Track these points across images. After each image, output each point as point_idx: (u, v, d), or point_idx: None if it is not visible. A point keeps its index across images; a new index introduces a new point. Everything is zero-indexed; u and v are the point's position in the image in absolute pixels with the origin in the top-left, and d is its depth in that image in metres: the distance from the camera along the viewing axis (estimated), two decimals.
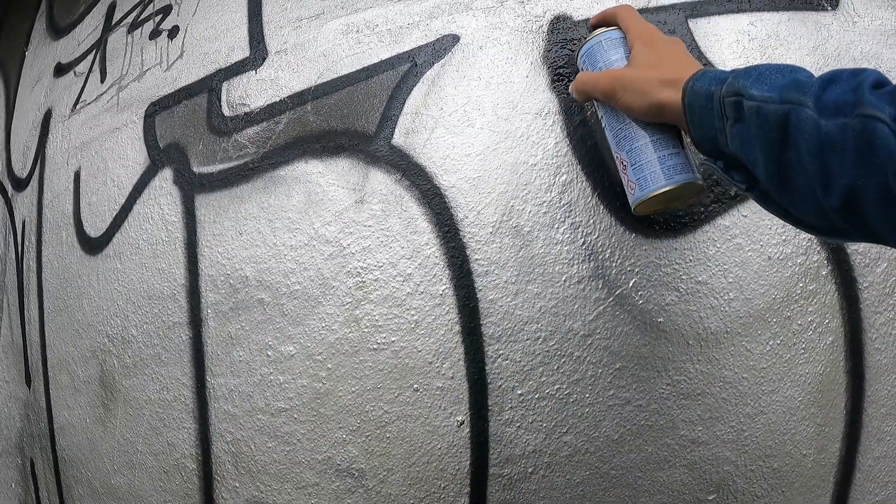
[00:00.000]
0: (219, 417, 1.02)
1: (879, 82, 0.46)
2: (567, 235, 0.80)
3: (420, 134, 0.83)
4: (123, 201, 1.16)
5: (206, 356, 1.03)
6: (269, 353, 0.96)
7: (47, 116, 1.41)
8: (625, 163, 0.65)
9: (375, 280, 0.89)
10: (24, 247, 1.40)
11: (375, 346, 0.89)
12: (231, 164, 1.01)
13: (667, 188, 0.62)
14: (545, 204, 0.80)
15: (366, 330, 0.90)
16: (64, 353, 1.21)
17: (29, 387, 1.42)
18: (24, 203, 1.40)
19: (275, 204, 0.91)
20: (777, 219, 0.80)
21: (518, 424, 0.80)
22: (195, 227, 1.04)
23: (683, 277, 0.80)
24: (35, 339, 1.31)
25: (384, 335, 0.89)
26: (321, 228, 0.87)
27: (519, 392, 0.80)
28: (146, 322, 1.04)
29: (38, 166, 1.40)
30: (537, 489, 0.81)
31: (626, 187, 0.66)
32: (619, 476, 0.80)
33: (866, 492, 0.86)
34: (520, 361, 0.80)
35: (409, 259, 0.87)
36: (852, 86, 0.44)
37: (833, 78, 0.46)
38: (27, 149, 1.44)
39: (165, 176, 1.07)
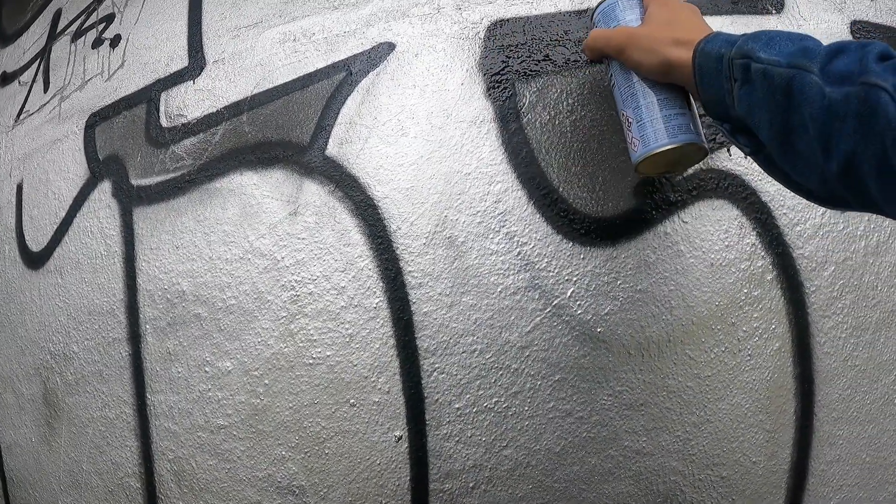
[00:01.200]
0: (160, 435, 1.00)
1: (886, 54, 0.47)
2: (502, 245, 0.79)
3: (354, 144, 0.82)
4: (64, 214, 1.14)
5: (145, 372, 1.01)
6: (208, 369, 0.94)
7: None
8: (630, 119, 0.65)
9: (310, 293, 0.87)
10: None
11: (311, 361, 0.88)
12: (168, 177, 0.99)
13: (670, 146, 0.62)
14: (479, 213, 0.79)
15: (301, 344, 0.88)
16: (8, 370, 1.18)
17: None
18: None
19: (210, 217, 0.90)
20: (719, 224, 0.79)
21: (457, 439, 0.79)
22: (133, 240, 1.02)
23: (623, 286, 0.79)
24: None
25: (319, 349, 0.87)
26: (256, 241, 0.86)
27: (456, 406, 0.79)
28: (87, 338, 1.02)
29: None
30: (480, 503, 0.80)
31: (629, 145, 0.66)
32: (562, 489, 0.80)
33: (820, 496, 0.85)
34: (456, 375, 0.79)
35: (342, 272, 0.86)
36: (859, 56, 0.45)
37: (841, 48, 0.47)
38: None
39: (104, 188, 1.05)
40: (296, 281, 0.85)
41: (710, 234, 0.80)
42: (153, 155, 1.02)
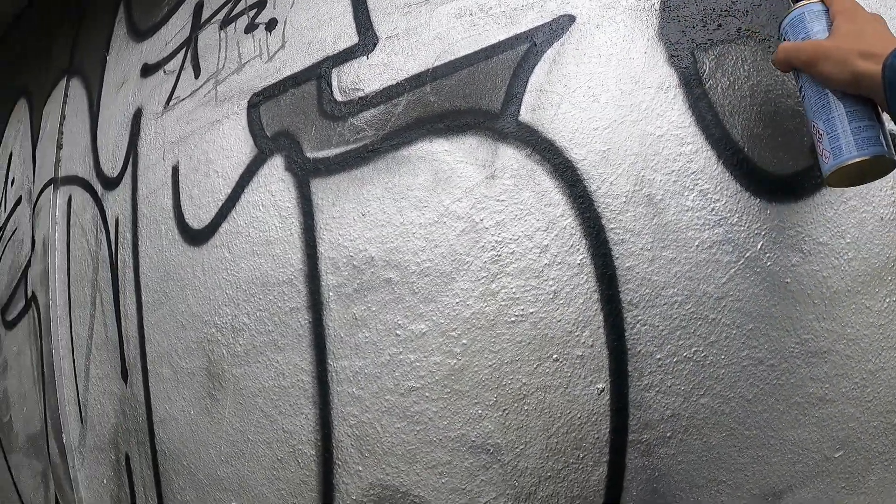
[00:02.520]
0: (342, 401, 0.98)
1: None
2: (697, 202, 0.79)
3: (546, 110, 0.82)
4: (229, 191, 1.13)
5: (327, 339, 1.00)
6: (399, 332, 0.93)
7: (137, 115, 1.34)
8: (820, 132, 0.64)
9: (511, 253, 0.87)
10: (118, 244, 1.35)
11: (513, 319, 0.87)
12: (348, 148, 0.95)
13: (858, 159, 0.61)
14: (674, 173, 0.79)
15: (503, 303, 0.87)
16: (166, 345, 1.16)
17: (125, 382, 1.37)
18: (115, 201, 1.36)
19: (400, 183, 0.90)
20: (884, 181, 0.79)
21: (657, 389, 0.79)
22: (312, 211, 1.01)
23: (806, 239, 0.79)
24: (132, 334, 1.27)
25: (522, 307, 0.87)
26: (451, 205, 0.85)
27: (657, 357, 0.79)
28: (259, 309, 1.00)
29: (130, 164, 1.36)
30: (675, 453, 0.79)
31: (819, 156, 0.65)
32: (752, 437, 0.78)
33: None
34: (658, 326, 0.78)
35: (544, 231, 0.86)
36: None
37: None
38: (117, 149, 1.40)
39: (276, 164, 1.03)
40: (496, 241, 0.84)
41: (878, 189, 0.79)
42: (329, 128, 1.00)
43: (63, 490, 1.56)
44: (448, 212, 0.84)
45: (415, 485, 0.84)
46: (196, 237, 1.10)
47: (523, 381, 0.80)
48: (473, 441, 0.82)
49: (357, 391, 0.92)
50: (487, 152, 0.83)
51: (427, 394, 0.85)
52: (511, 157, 0.82)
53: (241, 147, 1.05)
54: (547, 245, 0.80)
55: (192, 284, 1.10)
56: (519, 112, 0.82)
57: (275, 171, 0.99)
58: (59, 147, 1.78)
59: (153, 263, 1.20)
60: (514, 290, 0.81)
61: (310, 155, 0.97)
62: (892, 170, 0.65)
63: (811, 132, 0.66)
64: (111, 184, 1.38)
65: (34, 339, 1.82)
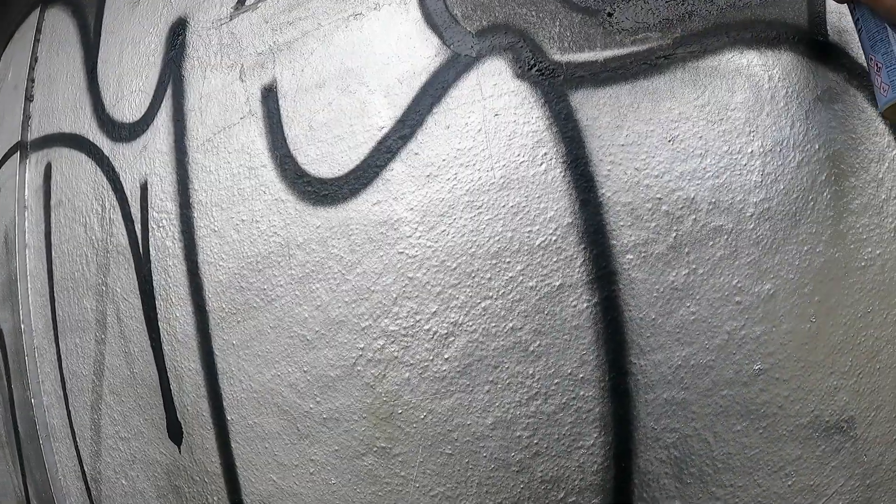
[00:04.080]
0: (652, 414, 0.51)
1: None
2: None
3: (852, 34, 0.62)
4: (398, 113, 0.56)
5: (626, 327, 0.53)
6: (739, 298, 0.52)
7: (178, 29, 0.70)
8: (879, 65, 0.60)
9: (852, 188, 0.65)
10: (150, 222, 0.69)
11: (863, 264, 0.56)
12: (625, 51, 0.55)
13: None
14: None
15: (852, 246, 0.56)
16: (265, 379, 0.61)
17: (177, 443, 0.67)
18: (139, 157, 0.71)
19: (714, 101, 0.55)
20: None
21: None
22: (580, 136, 0.61)
23: None
24: (189, 367, 0.64)
25: (869, 249, 0.57)
26: (783, 131, 0.57)
27: None
28: (485, 297, 0.54)
29: (166, 98, 0.67)
30: None
31: (877, 90, 0.60)
32: None
33: None
34: None
35: (877, 163, 0.67)
36: None
37: None
38: (139, 81, 0.73)
39: (491, 70, 0.55)
40: (836, 174, 0.58)
41: None
42: (586, 24, 0.56)
43: None
44: (781, 139, 0.58)
45: (754, 500, 0.57)
46: (331, 193, 0.58)
47: (875, 335, 0.59)
48: (826, 422, 0.58)
49: (678, 394, 0.52)
50: (808, 72, 0.61)
51: (777, 374, 0.55)
52: (832, 80, 0.62)
53: (412, 48, 0.59)
54: (881, 178, 0.59)
55: (326, 270, 0.57)
56: (826, 31, 0.64)
57: (493, 81, 0.56)
58: (29, 98, 0.85)
59: (232, 245, 0.61)
60: (860, 229, 0.59)
61: (559, 58, 0.56)
62: None
63: (868, 66, 0.60)
64: (129, 132, 0.71)
65: None
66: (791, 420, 0.52)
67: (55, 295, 0.73)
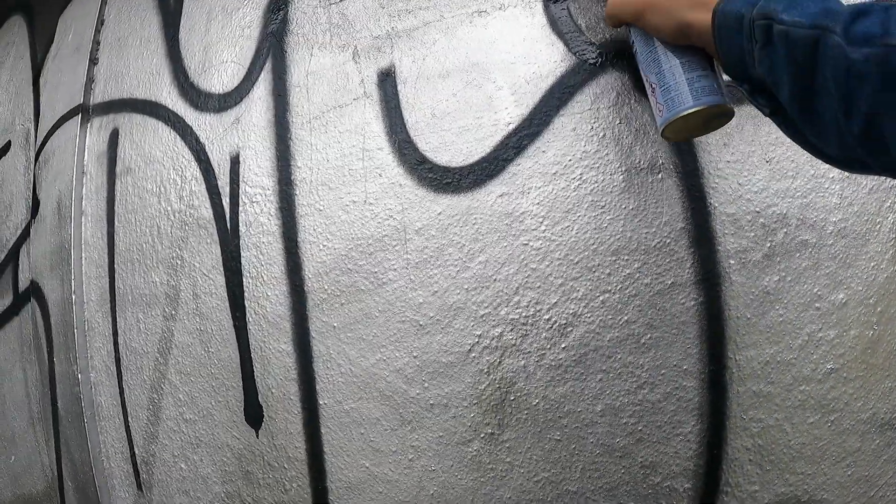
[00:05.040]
0: (742, 405, 0.56)
1: None
2: None
3: None
4: (525, 112, 0.57)
5: (726, 324, 0.61)
6: (819, 304, 0.60)
7: (279, 4, 0.69)
8: (653, 85, 0.59)
9: None
10: (241, 196, 0.66)
11: None
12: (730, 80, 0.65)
13: (694, 109, 0.56)
14: None
15: None
16: (368, 364, 0.59)
17: (255, 426, 0.65)
18: (229, 129, 0.69)
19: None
20: None
21: None
22: (692, 151, 0.63)
23: None
24: (279, 349, 0.63)
25: None
26: None
27: None
28: (603, 290, 0.56)
29: (265, 71, 0.65)
30: None
31: (654, 110, 0.59)
32: None
33: None
34: None
35: None
36: (881, 18, 0.41)
37: (864, 9, 0.43)
38: (232, 51, 0.70)
39: (613, 81, 0.56)
40: None
41: None
42: None
43: None
44: None
45: (819, 487, 0.62)
46: (454, 181, 0.59)
47: None
48: (882, 419, 0.64)
49: (765, 387, 0.58)
50: None
51: (845, 374, 0.61)
52: None
53: (538, 51, 0.60)
54: None
55: (445, 256, 0.58)
56: None
57: (616, 91, 0.59)
58: (93, 61, 0.80)
59: (339, 225, 0.60)
60: None
61: None
62: (730, 118, 0.58)
63: (645, 86, 0.60)
64: (218, 103, 0.68)
65: (33, 353, 0.81)
66: (854, 415, 0.59)
67: (115, 266, 0.69)
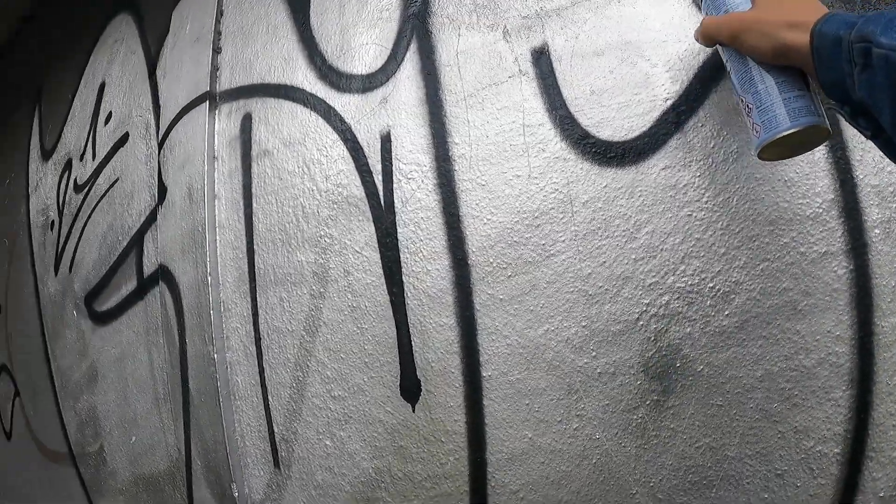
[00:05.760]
0: (888, 371, 0.66)
1: None
2: None
3: None
4: (679, 89, 0.60)
5: (873, 291, 0.61)
6: None
7: None
8: (750, 106, 0.59)
9: None
10: (395, 175, 0.69)
11: None
12: None
13: (792, 130, 0.56)
14: None
15: None
16: (536, 335, 0.61)
17: (411, 401, 0.66)
18: (376, 109, 0.70)
19: None
20: None
21: None
22: (839, 125, 0.68)
23: None
24: (442, 323, 0.65)
25: None
26: None
27: None
28: (764, 259, 0.59)
29: (409, 52, 0.67)
30: None
31: (750, 131, 0.60)
32: None
33: None
34: None
35: None
36: None
37: None
38: (375, 32, 0.72)
39: None
40: None
41: None
42: None
43: None
44: None
45: None
46: (617, 155, 0.61)
47: None
48: None
49: None
50: None
51: None
52: None
53: (687, 29, 0.63)
54: None
55: (613, 228, 0.60)
56: None
57: None
58: (217, 51, 0.83)
59: (504, 199, 0.62)
60: None
61: None
62: (828, 139, 0.58)
63: (740, 107, 0.60)
64: (363, 84, 0.70)
65: (162, 336, 0.83)
66: None
67: (255, 247, 0.71)
